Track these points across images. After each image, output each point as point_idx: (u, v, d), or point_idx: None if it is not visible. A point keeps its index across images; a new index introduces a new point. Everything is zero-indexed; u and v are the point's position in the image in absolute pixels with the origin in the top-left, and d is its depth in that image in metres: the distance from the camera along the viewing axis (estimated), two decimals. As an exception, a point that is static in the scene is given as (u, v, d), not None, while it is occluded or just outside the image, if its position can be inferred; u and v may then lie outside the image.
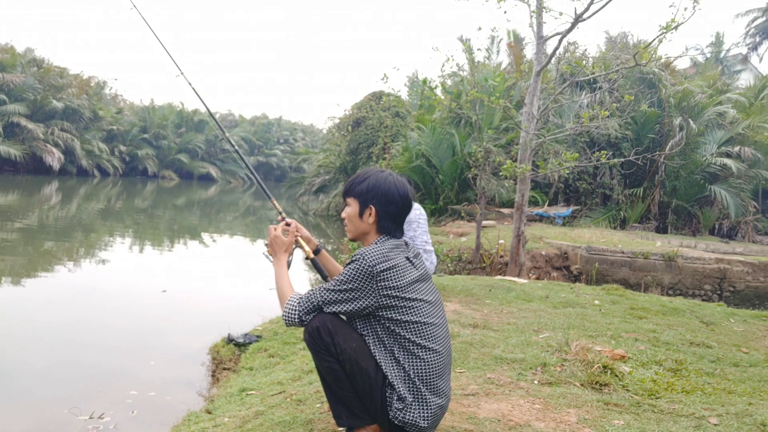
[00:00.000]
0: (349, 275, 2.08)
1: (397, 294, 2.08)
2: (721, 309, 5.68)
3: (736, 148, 13.48)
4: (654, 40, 7.16)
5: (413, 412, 2.09)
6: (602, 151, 8.00)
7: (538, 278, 8.30)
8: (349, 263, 2.12)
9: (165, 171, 39.22)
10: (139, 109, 41.68)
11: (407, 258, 2.18)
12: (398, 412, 2.09)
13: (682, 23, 6.58)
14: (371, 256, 2.07)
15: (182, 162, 39.69)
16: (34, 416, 3.69)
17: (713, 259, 8.58)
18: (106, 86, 39.54)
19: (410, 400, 2.09)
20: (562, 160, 7.30)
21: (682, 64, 20.62)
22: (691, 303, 5.85)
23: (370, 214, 2.20)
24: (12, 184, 23.77)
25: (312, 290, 2.17)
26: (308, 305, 2.14)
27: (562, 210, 13.50)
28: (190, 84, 3.14)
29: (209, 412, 3.17)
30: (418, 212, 4.42)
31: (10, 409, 3.83)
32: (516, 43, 18.92)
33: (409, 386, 2.10)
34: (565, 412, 2.70)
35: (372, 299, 2.07)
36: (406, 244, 2.27)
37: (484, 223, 10.22)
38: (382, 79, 8.20)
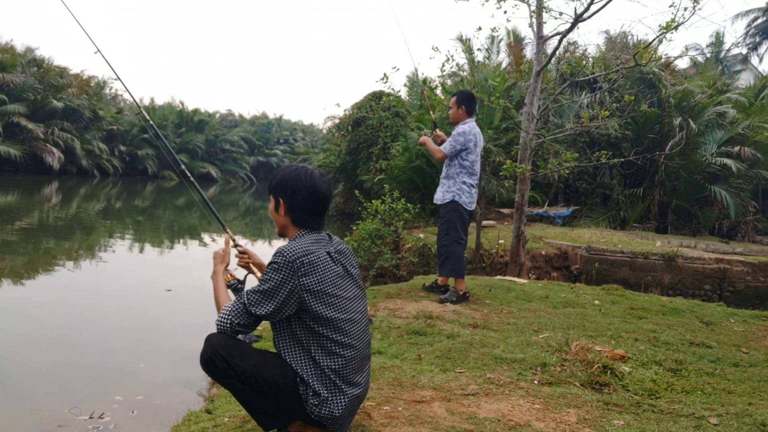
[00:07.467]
0: (271, 272, 2.10)
1: (318, 288, 2.10)
2: (721, 309, 5.67)
3: (736, 148, 13.45)
4: (654, 40, 7.15)
5: (329, 406, 2.12)
6: (602, 151, 7.99)
7: (538, 278, 8.29)
8: (270, 262, 2.13)
9: (165, 171, 39.16)
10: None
11: (328, 252, 2.19)
12: (314, 408, 2.12)
13: (682, 23, 6.57)
14: (290, 252, 2.10)
15: (182, 162, 39.55)
16: (34, 416, 3.69)
17: (713, 259, 8.57)
18: (106, 86, 39.49)
19: (326, 395, 2.11)
20: (562, 160, 7.29)
21: (682, 64, 20.59)
22: (691, 303, 5.85)
23: (281, 207, 2.25)
24: (12, 184, 23.76)
25: (241, 294, 2.19)
26: (238, 309, 2.16)
27: (562, 210, 13.48)
28: (107, 62, 3.45)
29: (209, 412, 3.17)
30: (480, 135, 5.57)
31: (11, 409, 3.83)
32: (516, 43, 18.90)
33: (324, 383, 2.12)
34: (565, 412, 2.70)
35: (293, 294, 2.08)
36: (330, 237, 2.29)
37: (484, 223, 10.22)
38: (382, 79, 8.14)
